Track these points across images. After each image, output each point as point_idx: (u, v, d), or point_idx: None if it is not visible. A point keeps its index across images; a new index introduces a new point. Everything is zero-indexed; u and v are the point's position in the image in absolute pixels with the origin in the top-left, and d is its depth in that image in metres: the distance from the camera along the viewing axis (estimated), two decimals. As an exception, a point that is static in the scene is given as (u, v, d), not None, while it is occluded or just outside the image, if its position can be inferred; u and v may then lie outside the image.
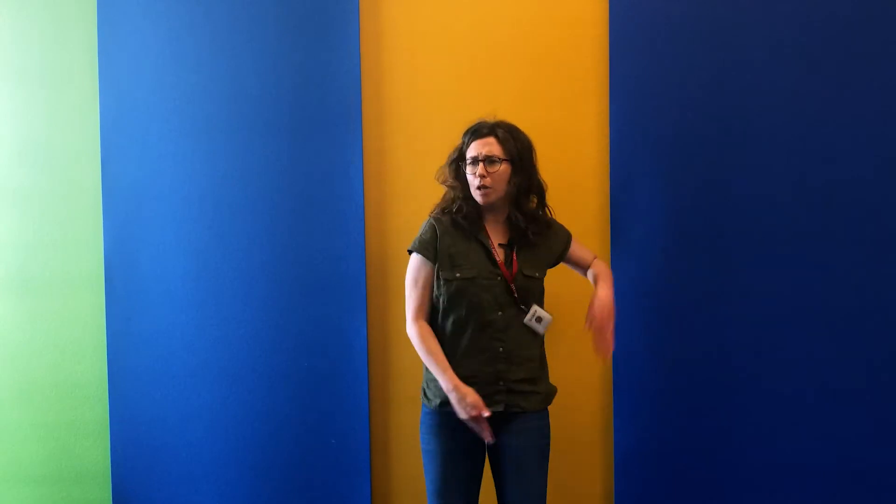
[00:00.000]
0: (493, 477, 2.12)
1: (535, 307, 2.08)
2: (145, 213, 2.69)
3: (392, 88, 2.62)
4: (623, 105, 2.43)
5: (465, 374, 2.03)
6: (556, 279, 2.52)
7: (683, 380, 2.43)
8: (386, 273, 2.63)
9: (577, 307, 2.51)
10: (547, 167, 2.50)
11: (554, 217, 2.20)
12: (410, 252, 2.12)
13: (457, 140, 2.17)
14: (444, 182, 2.14)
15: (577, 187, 2.51)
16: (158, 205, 2.68)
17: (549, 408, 2.13)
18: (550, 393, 2.13)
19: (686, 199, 2.42)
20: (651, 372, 2.44)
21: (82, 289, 2.80)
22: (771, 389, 2.39)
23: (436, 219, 2.12)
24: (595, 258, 2.25)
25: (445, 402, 2.04)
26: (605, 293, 2.12)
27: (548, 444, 2.10)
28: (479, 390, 2.01)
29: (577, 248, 2.23)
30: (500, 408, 2.03)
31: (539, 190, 2.13)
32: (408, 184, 2.62)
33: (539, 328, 2.08)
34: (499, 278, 2.06)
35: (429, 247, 2.09)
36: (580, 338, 2.49)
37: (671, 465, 2.45)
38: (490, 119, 2.11)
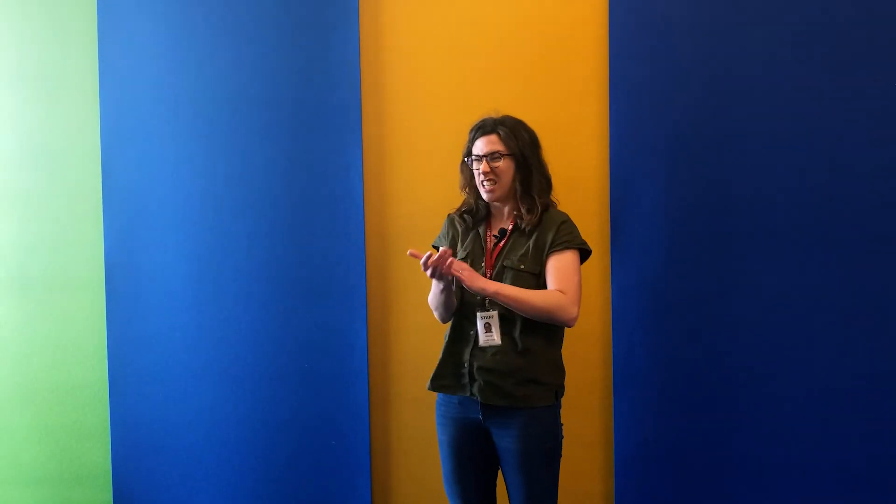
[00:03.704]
0: None
1: (493, 314, 2.02)
2: (146, 214, 2.69)
3: (392, 89, 2.62)
4: (623, 105, 2.43)
5: (447, 354, 2.11)
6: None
7: (683, 380, 2.43)
8: (386, 273, 2.63)
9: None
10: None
11: (559, 212, 2.14)
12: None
13: (457, 140, 2.18)
14: (462, 189, 2.20)
15: (577, 187, 2.51)
16: (159, 205, 2.68)
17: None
18: (524, 396, 2.01)
19: (686, 198, 2.41)
20: (651, 372, 2.44)
21: (83, 290, 2.80)
22: (771, 389, 2.38)
23: (449, 215, 2.23)
24: (565, 290, 2.01)
25: (435, 378, 2.12)
26: (487, 283, 1.99)
27: (538, 454, 2.04)
28: (452, 374, 2.08)
29: (558, 260, 2.04)
30: (465, 392, 2.05)
31: (542, 185, 2.12)
32: (408, 184, 2.62)
33: (482, 337, 2.03)
34: (483, 264, 2.10)
35: (442, 239, 2.22)
36: (580, 338, 2.49)
37: (671, 465, 2.45)
38: (494, 115, 2.14)
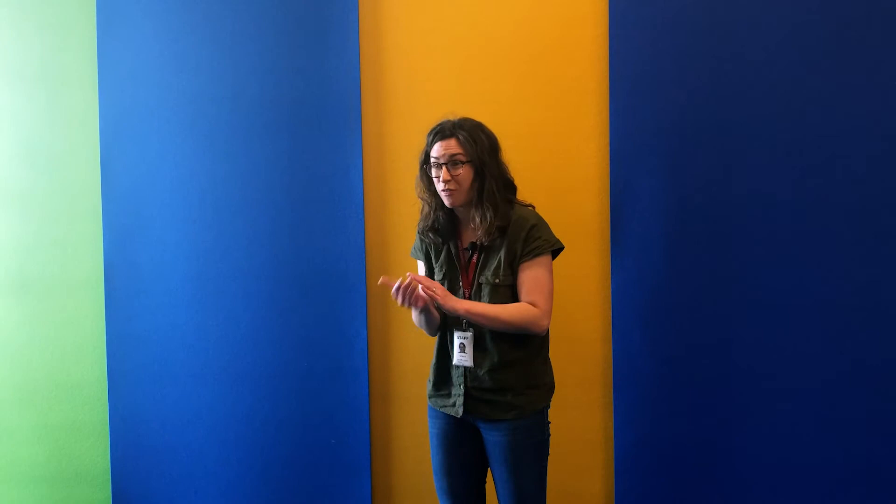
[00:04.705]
0: None
1: (469, 335, 2.02)
2: (145, 214, 2.69)
3: (392, 89, 2.63)
4: (623, 104, 2.43)
5: (438, 377, 2.12)
6: (557, 275, 2.52)
7: (683, 379, 2.43)
8: (386, 273, 2.63)
9: (575, 307, 2.51)
10: (547, 167, 2.51)
11: (526, 213, 2.04)
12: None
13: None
14: (420, 195, 2.12)
15: (577, 187, 2.51)
16: (158, 205, 2.68)
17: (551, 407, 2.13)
18: (525, 405, 2.02)
19: (686, 198, 2.42)
20: (650, 371, 2.44)
21: (82, 289, 2.80)
22: (771, 388, 2.38)
23: (419, 231, 2.16)
24: (535, 303, 2.00)
25: (430, 395, 2.16)
26: (458, 303, 1.96)
27: (526, 448, 2.03)
28: (447, 395, 2.09)
29: (529, 270, 2.00)
30: (459, 412, 2.04)
31: (496, 194, 2.01)
32: (408, 184, 2.61)
33: (455, 356, 2.03)
34: (460, 283, 2.07)
35: (417, 251, 2.20)
36: (580, 337, 2.49)
37: (671, 465, 2.45)
38: (452, 117, 2.06)
